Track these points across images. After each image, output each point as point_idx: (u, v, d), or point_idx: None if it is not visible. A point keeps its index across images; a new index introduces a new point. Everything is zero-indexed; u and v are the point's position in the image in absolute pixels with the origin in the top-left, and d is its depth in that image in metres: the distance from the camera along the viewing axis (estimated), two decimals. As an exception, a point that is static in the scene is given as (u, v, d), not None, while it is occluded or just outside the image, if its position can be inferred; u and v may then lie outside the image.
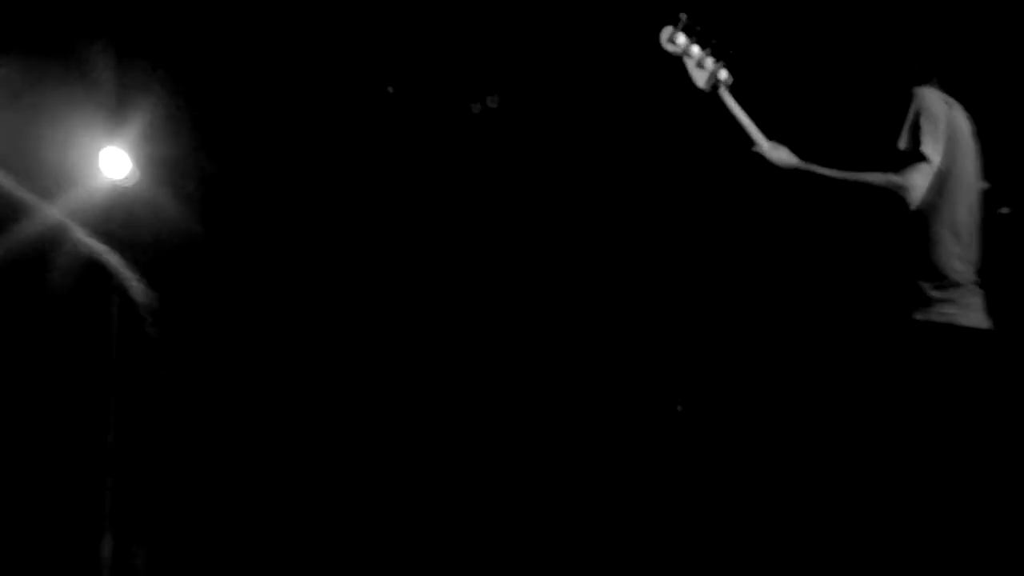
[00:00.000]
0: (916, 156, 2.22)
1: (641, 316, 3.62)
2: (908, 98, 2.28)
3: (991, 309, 2.33)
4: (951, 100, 2.35)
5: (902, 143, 2.23)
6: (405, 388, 3.85)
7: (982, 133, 2.41)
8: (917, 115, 2.25)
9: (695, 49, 2.26)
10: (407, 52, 3.95)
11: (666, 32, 2.25)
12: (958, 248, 2.30)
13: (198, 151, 3.93)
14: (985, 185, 2.47)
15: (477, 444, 3.73)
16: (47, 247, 3.63)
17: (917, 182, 2.22)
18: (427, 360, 3.86)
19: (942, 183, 2.27)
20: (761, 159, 2.32)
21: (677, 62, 2.26)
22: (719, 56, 2.27)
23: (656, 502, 3.33)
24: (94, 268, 3.67)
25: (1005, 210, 2.52)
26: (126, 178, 3.88)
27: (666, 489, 3.33)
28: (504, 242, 3.88)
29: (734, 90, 2.28)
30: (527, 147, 3.86)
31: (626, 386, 3.59)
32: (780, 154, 2.33)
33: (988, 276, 2.36)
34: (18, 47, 3.62)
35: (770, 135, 2.33)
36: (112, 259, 3.60)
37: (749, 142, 2.32)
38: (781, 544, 2.95)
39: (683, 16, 2.23)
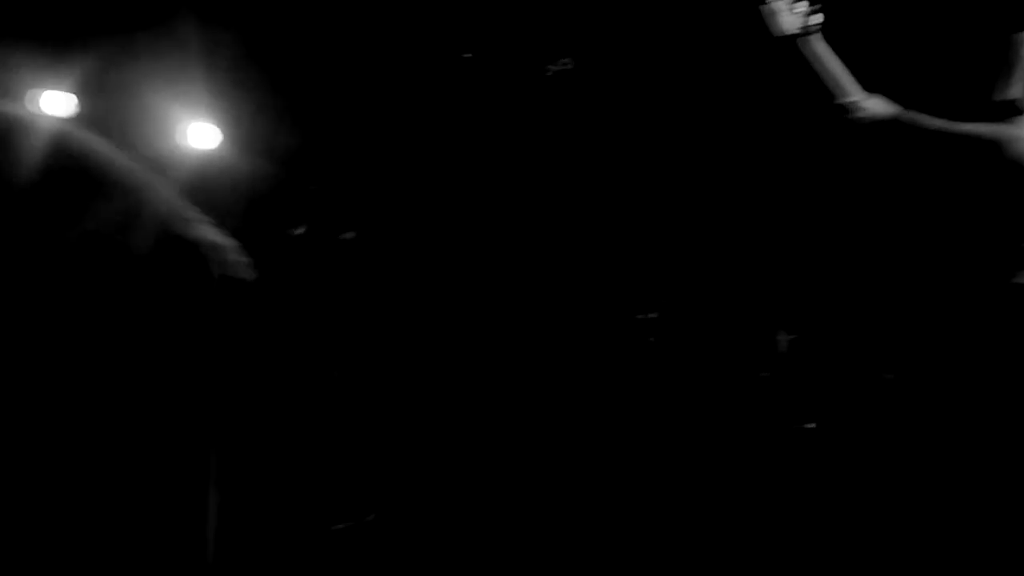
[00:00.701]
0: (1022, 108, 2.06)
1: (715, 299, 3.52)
2: (1014, 43, 2.12)
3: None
4: None
5: (1012, 91, 2.07)
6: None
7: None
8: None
9: (785, -8, 2.13)
10: (480, 19, 3.89)
11: (754, -25, 2.13)
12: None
13: (283, 126, 3.96)
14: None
15: (472, 442, 3.69)
16: (144, 221, 3.69)
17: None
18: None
19: None
20: (854, 109, 2.19)
21: (765, 5, 2.14)
22: (812, 1, 2.14)
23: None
24: (191, 245, 3.71)
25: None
26: (215, 151, 3.94)
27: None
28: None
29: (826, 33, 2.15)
30: (599, 111, 3.77)
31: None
32: (875, 104, 2.20)
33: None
34: (110, 22, 3.69)
35: (868, 86, 2.20)
36: (213, 234, 3.63)
37: (840, 92, 2.19)
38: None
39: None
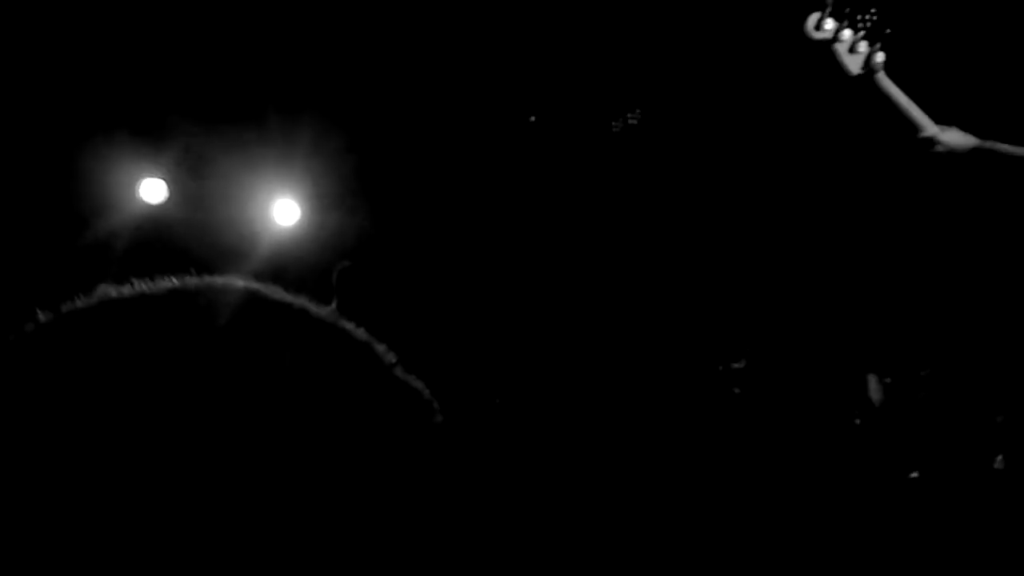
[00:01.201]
0: None
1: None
2: None
3: None
4: None
5: None
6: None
7: None
8: None
9: (846, 33, 2.06)
10: (549, 82, 3.93)
11: (812, 19, 2.07)
12: None
13: (355, 194, 4.07)
14: None
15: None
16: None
17: None
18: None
19: None
20: (931, 144, 2.08)
21: (826, 50, 2.07)
22: (873, 39, 2.06)
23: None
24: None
25: None
26: (294, 227, 4.07)
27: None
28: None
29: (890, 72, 2.06)
30: (665, 160, 3.73)
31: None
32: (952, 137, 2.08)
33: None
34: (196, 109, 3.89)
35: (937, 118, 2.09)
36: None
37: (913, 129, 2.09)
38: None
39: (830, 1, 2.04)
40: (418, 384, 0.56)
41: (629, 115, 3.81)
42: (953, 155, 2.07)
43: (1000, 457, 2.50)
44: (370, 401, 0.52)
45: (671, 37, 3.37)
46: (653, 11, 3.26)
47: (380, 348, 0.56)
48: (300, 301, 0.54)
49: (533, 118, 3.89)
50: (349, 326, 0.55)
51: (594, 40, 3.50)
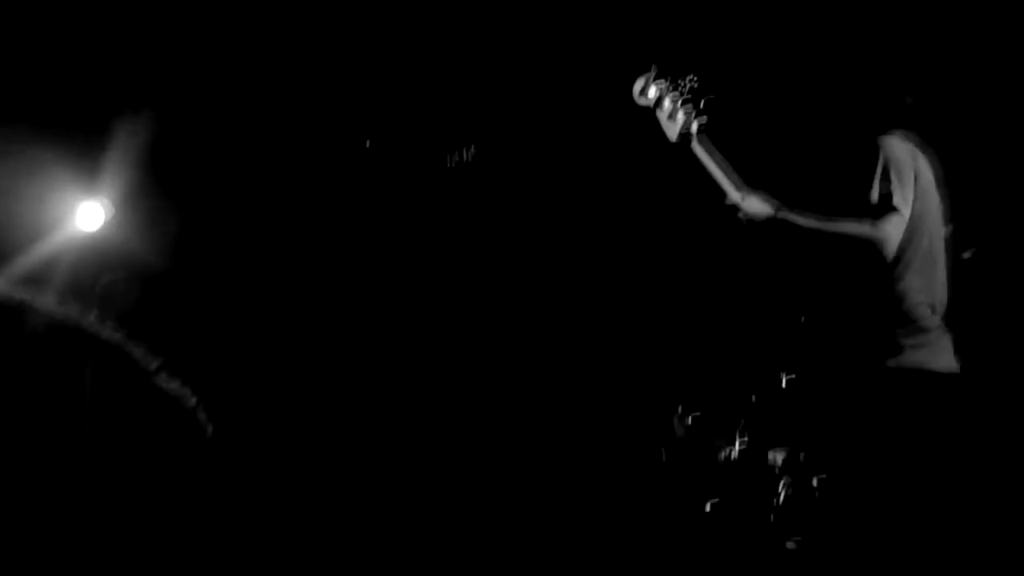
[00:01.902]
0: (888, 207, 2.20)
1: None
2: (877, 147, 2.27)
3: (959, 350, 2.30)
4: (922, 146, 2.34)
5: (873, 194, 2.21)
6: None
7: (951, 177, 2.41)
8: (886, 166, 2.23)
9: (667, 101, 2.22)
10: (385, 105, 3.92)
11: (638, 85, 2.22)
12: (925, 295, 2.27)
13: (172, 207, 3.86)
14: (950, 228, 2.45)
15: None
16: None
17: (891, 233, 2.19)
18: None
19: (911, 231, 2.25)
20: (735, 210, 2.29)
21: (651, 113, 2.23)
22: (693, 105, 2.23)
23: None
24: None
25: (967, 254, 2.51)
26: (102, 230, 3.79)
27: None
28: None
29: (713, 132, 2.24)
30: (503, 200, 3.82)
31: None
32: (754, 203, 2.30)
33: (957, 318, 2.33)
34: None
35: (749, 179, 2.30)
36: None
37: (724, 191, 2.28)
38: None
39: (654, 67, 2.20)
40: (178, 388, 0.55)
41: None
42: (751, 221, 2.27)
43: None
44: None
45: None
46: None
47: (138, 352, 0.54)
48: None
49: (368, 143, 3.86)
50: (105, 332, 0.53)
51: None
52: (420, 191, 3.99)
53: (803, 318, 2.34)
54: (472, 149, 3.87)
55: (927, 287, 2.28)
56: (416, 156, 3.99)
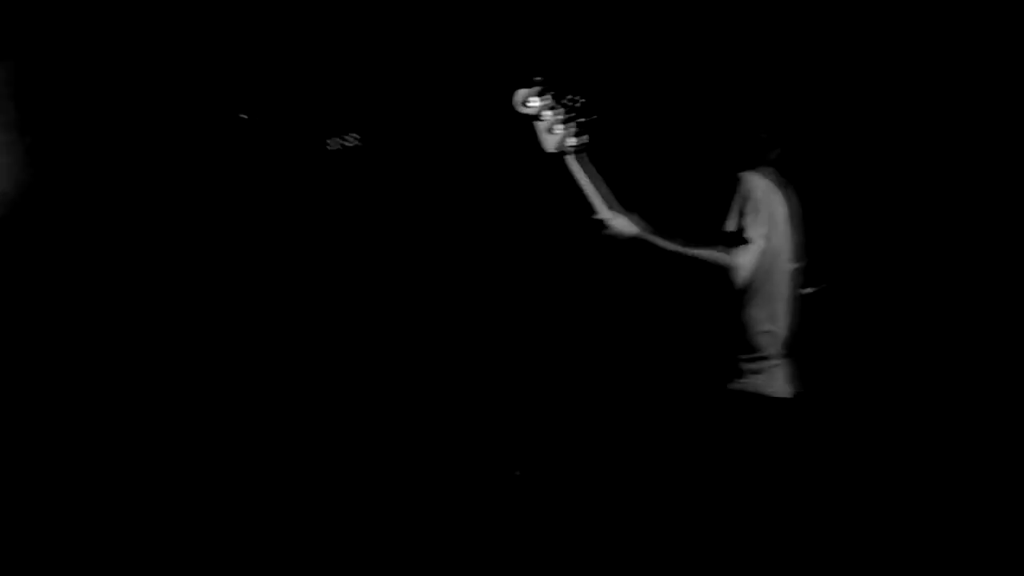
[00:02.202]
0: (742, 239, 2.32)
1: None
2: (737, 181, 2.39)
3: (796, 378, 2.45)
4: (779, 183, 2.48)
5: (730, 225, 2.33)
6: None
7: (807, 213, 2.56)
8: (744, 199, 2.35)
9: (548, 114, 2.26)
10: (265, 79, 3.78)
11: (520, 95, 2.24)
12: (769, 324, 2.41)
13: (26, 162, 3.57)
14: (798, 265, 2.61)
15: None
16: None
17: (743, 262, 2.32)
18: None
19: (760, 264, 2.38)
20: (601, 226, 2.35)
21: (529, 123, 2.25)
22: (570, 123, 2.28)
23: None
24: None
25: (810, 289, 2.67)
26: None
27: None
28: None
29: (590, 152, 2.29)
30: (382, 188, 3.76)
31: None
32: (620, 223, 2.37)
33: (797, 346, 2.48)
34: None
35: (622, 197, 2.37)
36: None
37: (592, 209, 2.34)
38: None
39: (538, 79, 2.23)
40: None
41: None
42: (616, 239, 2.35)
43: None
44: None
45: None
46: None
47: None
48: None
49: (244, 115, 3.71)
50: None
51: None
52: (297, 172, 3.87)
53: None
54: (355, 136, 3.79)
55: (771, 317, 2.41)
56: (295, 136, 3.87)
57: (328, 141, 3.77)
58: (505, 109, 2.29)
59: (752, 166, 2.45)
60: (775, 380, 2.39)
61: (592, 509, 2.97)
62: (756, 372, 2.36)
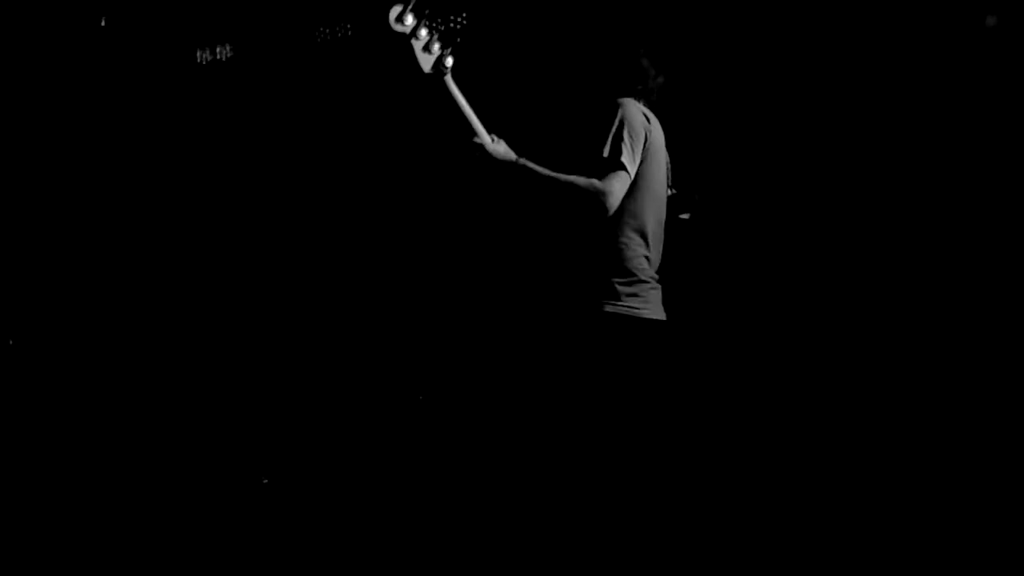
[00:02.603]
0: (616, 165, 2.34)
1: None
2: (614, 108, 2.39)
3: (667, 302, 2.53)
4: (650, 114, 2.50)
5: (605, 151, 2.34)
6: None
7: (671, 145, 2.60)
8: (620, 127, 2.36)
9: (423, 32, 2.18)
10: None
11: (395, 11, 2.15)
12: (645, 249, 2.46)
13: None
14: (671, 192, 2.67)
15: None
16: None
17: (616, 189, 2.33)
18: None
19: (635, 190, 2.41)
20: (480, 150, 2.31)
21: (403, 41, 2.17)
22: (446, 42, 2.21)
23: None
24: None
25: (685, 216, 2.74)
26: None
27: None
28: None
29: (457, 79, 2.24)
30: (254, 106, 3.57)
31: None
32: (499, 148, 2.34)
33: (669, 272, 2.56)
34: None
35: (489, 128, 2.33)
36: None
37: (470, 132, 2.30)
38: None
39: (413, -4, 2.14)
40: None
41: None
42: (492, 163, 2.32)
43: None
44: None
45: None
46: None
47: None
48: None
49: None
50: None
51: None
52: (166, 85, 3.63)
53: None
54: (227, 48, 3.57)
55: (645, 242, 2.47)
56: (164, 47, 3.61)
57: (199, 52, 3.55)
58: (380, 25, 2.19)
59: (629, 93, 2.46)
60: (650, 303, 2.46)
61: (484, 444, 3.01)
62: (632, 295, 2.41)
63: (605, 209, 2.32)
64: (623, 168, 2.34)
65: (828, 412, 2.90)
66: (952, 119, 2.77)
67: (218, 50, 3.60)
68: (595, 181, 2.31)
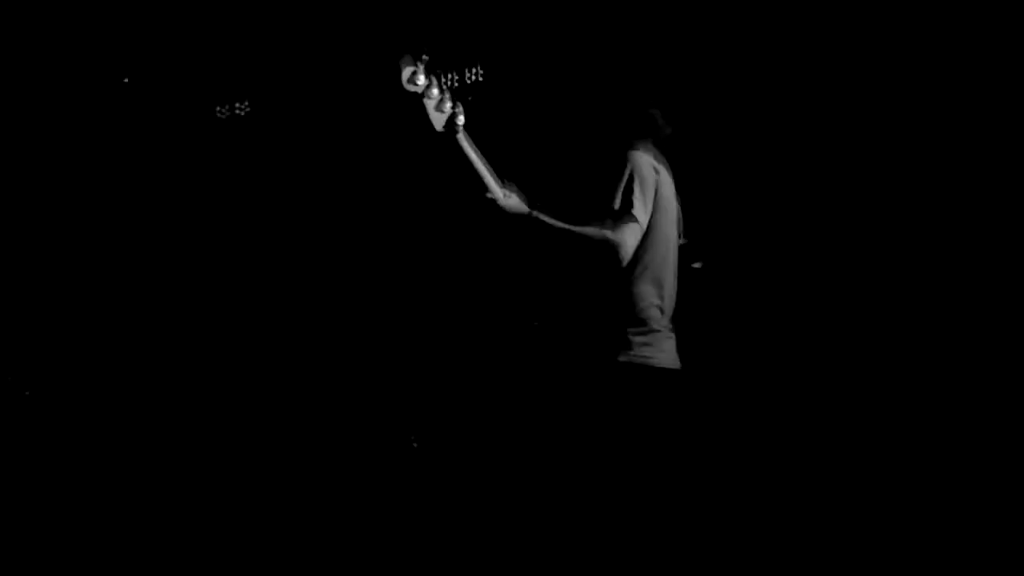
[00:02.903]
0: (629, 217, 2.36)
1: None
2: (624, 158, 2.41)
3: (683, 350, 2.53)
4: (661, 160, 2.52)
5: (616, 202, 2.36)
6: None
7: (682, 193, 2.62)
8: (631, 178, 2.38)
9: (435, 91, 2.22)
10: (150, 42, 3.59)
11: (407, 71, 2.20)
12: (657, 299, 2.46)
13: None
14: (683, 241, 2.68)
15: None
16: None
17: (628, 240, 2.35)
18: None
19: (646, 240, 2.42)
20: (493, 204, 2.35)
21: (416, 101, 2.21)
22: (457, 100, 2.25)
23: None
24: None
25: (698, 264, 2.75)
26: None
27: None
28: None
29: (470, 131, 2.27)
30: (273, 158, 3.65)
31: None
32: (511, 202, 2.37)
33: (682, 321, 2.56)
34: None
35: (502, 174, 2.36)
36: None
37: (483, 187, 2.33)
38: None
39: (425, 57, 2.19)
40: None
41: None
42: (506, 216, 2.35)
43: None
44: None
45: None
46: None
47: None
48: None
49: None
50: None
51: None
52: (184, 139, 3.71)
53: (536, 322, 2.47)
54: (245, 104, 3.66)
55: (658, 291, 2.47)
56: (183, 102, 3.70)
57: (218, 108, 3.63)
58: (392, 86, 2.24)
59: (638, 143, 2.49)
60: (663, 352, 2.46)
61: (492, 487, 3.00)
62: (645, 344, 2.41)
63: (618, 260, 2.34)
64: (635, 220, 2.36)
65: (841, 457, 2.87)
66: (951, 126, 2.78)
67: (236, 106, 3.69)
68: (608, 232, 2.33)
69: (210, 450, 3.47)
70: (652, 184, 2.43)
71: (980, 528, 2.62)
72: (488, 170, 2.34)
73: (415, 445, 3.24)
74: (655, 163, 2.49)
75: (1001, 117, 2.73)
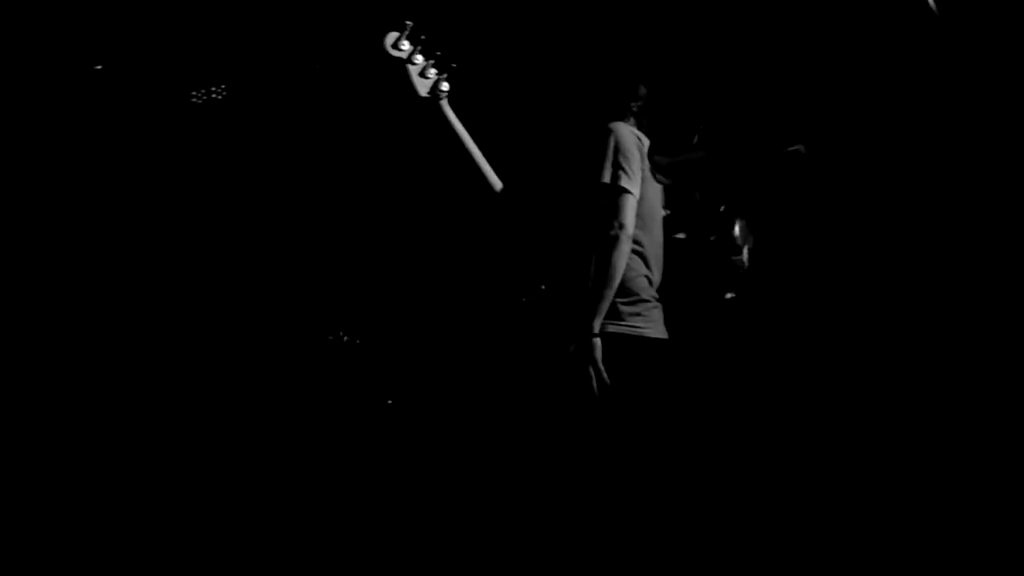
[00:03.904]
0: (619, 190, 2.33)
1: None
2: (605, 132, 2.39)
3: (668, 321, 2.52)
4: (641, 135, 2.51)
5: (605, 177, 2.33)
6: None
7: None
8: (616, 151, 2.36)
9: (419, 57, 2.19)
10: (121, 28, 3.51)
11: (391, 37, 2.16)
12: (645, 269, 2.45)
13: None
14: (666, 212, 2.66)
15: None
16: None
17: (626, 215, 2.33)
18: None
19: (637, 211, 2.41)
20: (481, 176, 2.31)
21: (399, 67, 2.18)
22: (442, 68, 2.22)
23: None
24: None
25: (681, 235, 2.74)
26: None
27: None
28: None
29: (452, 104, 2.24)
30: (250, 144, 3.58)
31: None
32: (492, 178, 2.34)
33: (669, 292, 2.55)
34: None
35: (484, 148, 2.33)
36: None
37: (465, 154, 2.30)
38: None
39: (409, 23, 2.15)
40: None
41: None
42: (483, 188, 2.32)
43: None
44: None
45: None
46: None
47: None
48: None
49: None
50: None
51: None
52: (159, 126, 3.64)
53: (526, 296, 2.45)
54: (222, 87, 3.59)
55: (646, 263, 2.46)
56: (157, 88, 3.63)
57: (193, 93, 3.56)
58: (375, 55, 2.20)
59: (619, 117, 2.47)
60: (652, 323, 2.45)
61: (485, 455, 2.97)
62: (635, 315, 2.40)
63: (623, 237, 2.31)
64: (627, 191, 2.34)
65: (831, 426, 2.87)
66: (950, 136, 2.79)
67: (213, 89, 3.62)
68: (603, 207, 2.28)
69: (204, 447, 3.41)
70: (636, 155, 2.41)
71: (980, 528, 2.62)
72: (471, 141, 2.31)
73: (389, 402, 3.20)
74: (637, 135, 2.47)
75: (1001, 117, 2.74)
